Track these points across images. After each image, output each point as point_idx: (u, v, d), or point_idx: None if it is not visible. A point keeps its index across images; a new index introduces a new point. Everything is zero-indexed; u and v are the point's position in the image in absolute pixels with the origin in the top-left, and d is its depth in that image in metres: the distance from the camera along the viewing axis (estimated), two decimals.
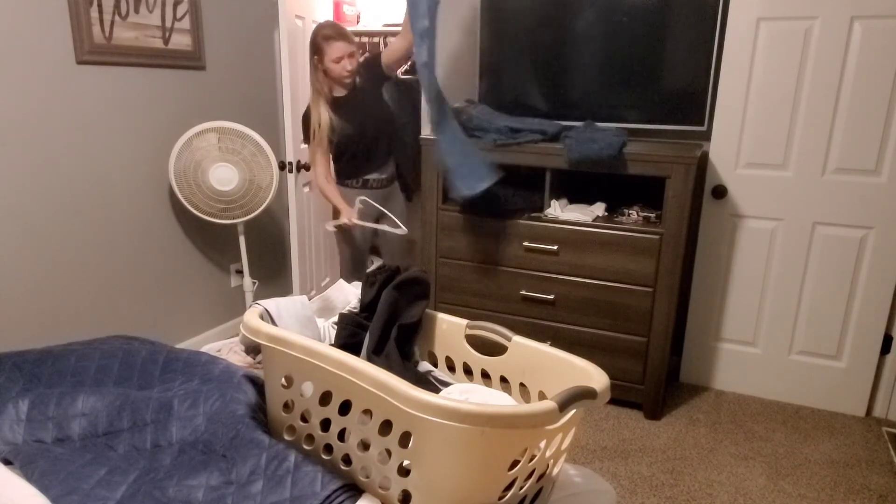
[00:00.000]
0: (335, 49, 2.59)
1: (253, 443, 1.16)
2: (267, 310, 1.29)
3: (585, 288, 2.61)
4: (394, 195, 2.95)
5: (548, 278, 2.67)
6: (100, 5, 2.47)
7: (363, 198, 2.76)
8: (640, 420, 2.63)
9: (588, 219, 2.58)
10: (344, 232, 2.85)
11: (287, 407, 1.22)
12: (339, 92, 2.74)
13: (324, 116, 2.69)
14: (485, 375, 1.35)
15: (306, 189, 3.30)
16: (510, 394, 1.26)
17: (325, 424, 1.14)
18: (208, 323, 3.25)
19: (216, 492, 1.10)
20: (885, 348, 2.62)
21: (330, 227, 2.78)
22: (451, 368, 1.41)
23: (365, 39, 3.95)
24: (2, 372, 1.46)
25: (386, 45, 4.00)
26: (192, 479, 1.12)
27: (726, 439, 2.50)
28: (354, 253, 2.92)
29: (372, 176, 2.82)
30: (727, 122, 2.63)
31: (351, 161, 2.79)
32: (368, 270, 1.44)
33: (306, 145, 2.83)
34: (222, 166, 2.83)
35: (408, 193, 4.26)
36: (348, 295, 1.53)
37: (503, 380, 1.32)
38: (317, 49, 2.63)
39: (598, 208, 2.67)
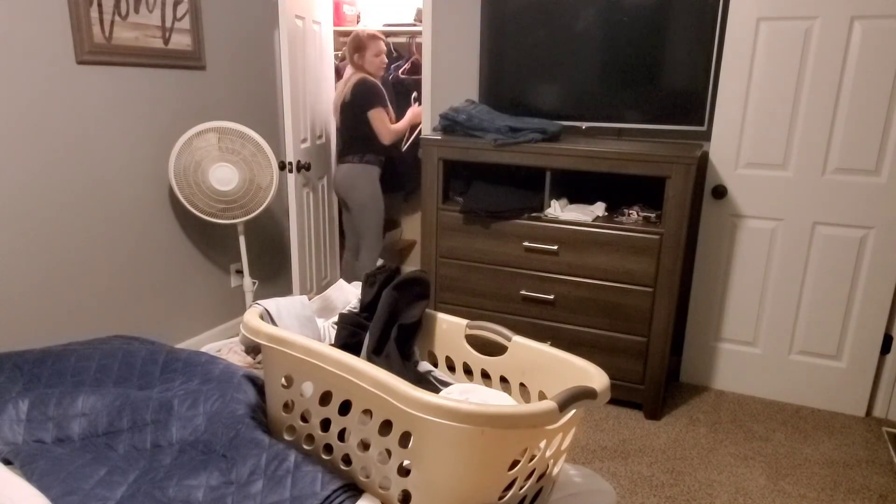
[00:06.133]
0: (380, 46, 3.31)
1: (253, 443, 1.16)
2: (267, 310, 1.29)
3: (585, 288, 2.61)
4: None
5: (548, 278, 2.67)
6: (100, 5, 2.47)
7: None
8: (640, 420, 2.63)
9: (588, 219, 2.58)
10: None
11: (287, 407, 1.22)
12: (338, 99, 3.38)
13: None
14: (485, 375, 1.35)
15: (306, 189, 3.30)
16: (510, 394, 1.26)
17: (325, 424, 1.14)
18: (208, 323, 3.25)
19: (216, 492, 1.10)
20: (885, 348, 2.62)
21: None
22: (451, 368, 1.41)
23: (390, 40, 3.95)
24: (2, 372, 1.46)
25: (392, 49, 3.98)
26: (192, 479, 1.12)
27: (726, 439, 2.50)
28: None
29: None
30: (727, 122, 2.63)
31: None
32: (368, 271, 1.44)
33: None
34: (222, 166, 2.83)
35: (405, 192, 4.27)
36: (348, 295, 1.53)
37: (503, 380, 1.32)
38: (359, 46, 3.28)
39: (598, 208, 2.67)
